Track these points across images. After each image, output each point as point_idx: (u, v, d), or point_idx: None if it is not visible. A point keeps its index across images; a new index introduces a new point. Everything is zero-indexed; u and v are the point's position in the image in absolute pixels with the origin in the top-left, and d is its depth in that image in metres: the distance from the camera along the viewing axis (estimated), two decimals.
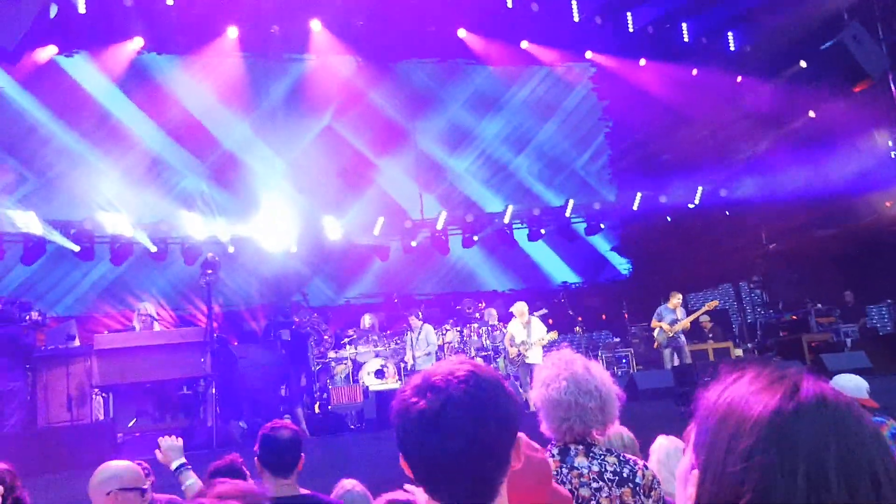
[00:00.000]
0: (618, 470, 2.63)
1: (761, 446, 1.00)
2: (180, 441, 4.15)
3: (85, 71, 15.02)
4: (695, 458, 1.10)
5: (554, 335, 11.34)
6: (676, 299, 12.47)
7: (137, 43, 14.83)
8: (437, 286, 17.28)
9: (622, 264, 18.59)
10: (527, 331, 11.33)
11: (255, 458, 3.54)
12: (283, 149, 16.21)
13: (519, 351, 11.21)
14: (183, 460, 4.07)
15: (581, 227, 17.21)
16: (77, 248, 14.15)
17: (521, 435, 1.48)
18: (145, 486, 3.39)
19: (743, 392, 1.07)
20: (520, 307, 11.51)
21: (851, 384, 4.87)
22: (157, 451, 4.17)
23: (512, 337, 11.47)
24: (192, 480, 4.00)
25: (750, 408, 1.04)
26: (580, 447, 2.70)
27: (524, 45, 16.89)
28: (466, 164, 17.90)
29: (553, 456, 2.71)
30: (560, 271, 17.97)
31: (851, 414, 1.03)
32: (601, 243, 18.38)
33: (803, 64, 15.83)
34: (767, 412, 1.02)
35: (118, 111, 15.28)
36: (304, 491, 3.57)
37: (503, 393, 1.42)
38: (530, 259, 17.85)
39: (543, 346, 11.08)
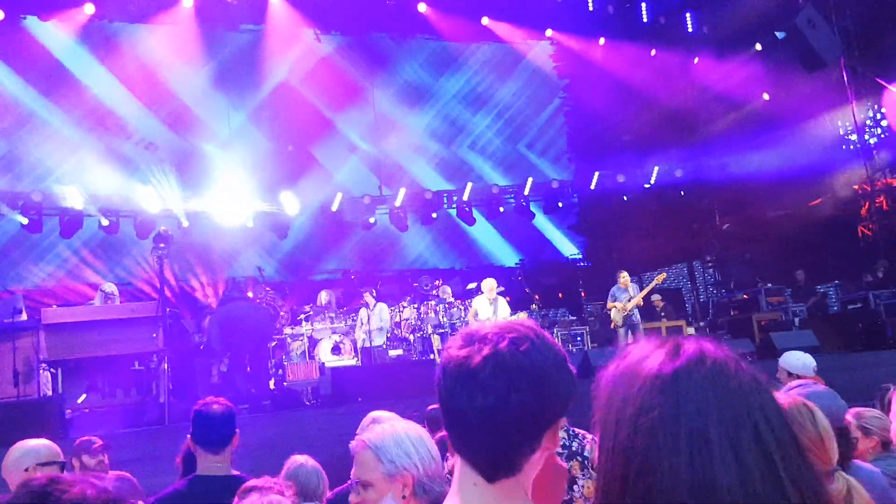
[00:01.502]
0: (567, 444, 2.66)
1: (645, 409, 1.00)
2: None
3: (39, 30, 14.53)
4: (596, 436, 1.10)
5: (524, 315, 11.37)
6: (624, 278, 12.61)
7: (89, 9, 14.37)
8: (394, 263, 17.24)
9: (579, 243, 18.74)
10: (493, 307, 11.31)
11: (188, 434, 3.46)
12: (239, 117, 15.93)
13: None
14: None
15: (538, 205, 17.28)
16: (25, 221, 13.79)
17: None
18: (64, 461, 3.33)
19: (629, 362, 1.08)
20: (489, 283, 11.46)
21: (799, 362, 4.97)
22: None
23: (476, 312, 11.39)
24: None
25: (634, 375, 1.05)
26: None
27: (485, 21, 16.81)
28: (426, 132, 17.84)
29: None
30: (516, 250, 18.05)
31: (729, 367, 1.03)
32: (558, 222, 18.48)
33: (759, 46, 16.05)
34: (650, 375, 1.03)
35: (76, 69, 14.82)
36: (235, 472, 3.46)
37: (558, 368, 1.33)
38: (487, 237, 17.90)
39: None
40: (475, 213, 16.95)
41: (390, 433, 2.12)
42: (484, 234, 17.81)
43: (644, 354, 1.07)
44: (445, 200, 16.99)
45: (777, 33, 12.20)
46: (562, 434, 2.70)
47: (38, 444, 3.38)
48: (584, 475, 2.60)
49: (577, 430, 2.69)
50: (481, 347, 1.29)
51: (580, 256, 18.35)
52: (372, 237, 16.70)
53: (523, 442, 1.29)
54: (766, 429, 0.98)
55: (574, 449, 2.57)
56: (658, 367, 1.03)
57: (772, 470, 0.96)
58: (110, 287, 10.58)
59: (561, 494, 1.54)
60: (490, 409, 1.26)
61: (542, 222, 17.96)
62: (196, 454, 3.41)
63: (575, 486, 2.63)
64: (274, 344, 12.65)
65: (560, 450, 2.65)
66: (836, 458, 2.44)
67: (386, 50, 17.38)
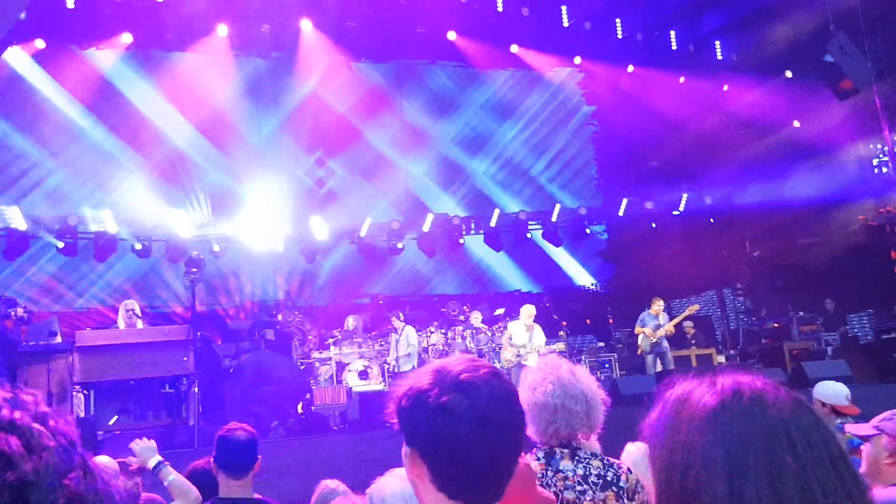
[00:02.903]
0: (602, 473, 2.65)
1: (689, 449, 1.05)
2: (153, 442, 4.13)
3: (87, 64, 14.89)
4: (651, 475, 1.14)
5: (562, 346, 11.35)
6: (658, 305, 12.51)
7: (126, 39, 14.72)
8: (422, 288, 17.30)
9: (607, 270, 18.66)
10: (529, 334, 11.21)
11: (211, 458, 3.52)
12: (274, 165, 16.13)
13: (518, 352, 11.08)
14: (159, 458, 4.05)
15: (565, 232, 17.28)
16: (61, 245, 14.06)
17: None
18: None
19: (671, 406, 1.12)
20: (528, 310, 11.35)
21: (831, 391, 4.92)
22: (130, 458, 4.14)
23: (510, 336, 11.29)
24: (172, 476, 3.99)
25: (678, 419, 1.09)
26: (565, 451, 2.72)
27: (514, 48, 16.94)
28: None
29: (539, 459, 2.73)
30: (545, 276, 18.01)
31: (767, 396, 1.06)
32: (586, 249, 18.44)
33: (789, 74, 15.98)
34: (691, 418, 1.08)
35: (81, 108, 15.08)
36: (257, 496, 3.54)
37: (515, 389, 1.43)
38: (515, 263, 17.90)
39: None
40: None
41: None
42: (498, 261, 17.82)
43: (683, 395, 1.12)
44: (473, 226, 17.04)
45: (818, 62, 12.11)
46: (596, 463, 2.70)
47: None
48: None
49: (611, 459, 2.69)
50: (477, 392, 1.33)
51: (597, 287, 18.22)
52: (399, 263, 16.78)
53: (516, 464, 1.39)
54: (806, 449, 1.01)
55: (609, 479, 2.57)
56: (698, 407, 1.08)
57: (808, 487, 0.99)
58: (132, 303, 10.66)
59: None
60: (503, 445, 1.34)
61: (555, 251, 17.90)
62: (218, 477, 3.47)
63: None
64: (303, 368, 12.74)
65: (595, 479, 2.65)
66: None
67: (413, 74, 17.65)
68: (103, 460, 3.68)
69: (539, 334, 11.30)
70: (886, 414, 2.94)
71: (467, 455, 1.32)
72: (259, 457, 3.52)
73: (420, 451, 1.35)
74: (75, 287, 14.79)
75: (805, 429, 1.03)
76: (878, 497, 2.48)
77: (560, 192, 18.27)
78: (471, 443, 1.31)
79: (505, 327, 12.19)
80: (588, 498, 2.61)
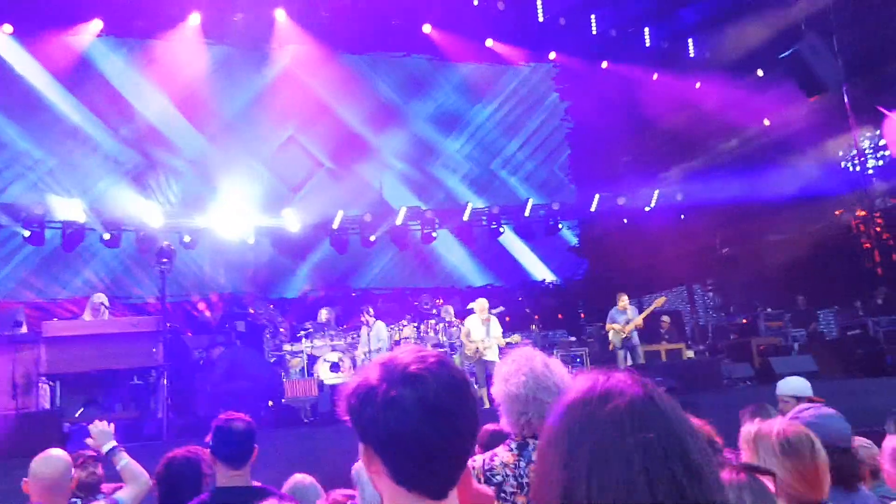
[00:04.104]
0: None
1: (566, 433, 1.15)
2: (111, 426, 4.17)
3: (45, 53, 14.61)
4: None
5: (517, 338, 11.32)
6: (623, 301, 12.59)
7: (96, 25, 14.48)
8: (393, 281, 17.27)
9: (580, 264, 18.77)
10: (486, 328, 11.19)
11: (209, 449, 3.52)
12: (245, 151, 16.01)
13: (477, 348, 11.07)
14: (114, 443, 4.10)
15: (539, 226, 17.34)
16: (27, 233, 13.82)
17: None
18: None
19: (565, 397, 1.21)
20: (481, 303, 11.37)
21: (801, 384, 5.13)
22: (87, 440, 4.20)
23: (468, 332, 11.27)
24: (125, 461, 4.03)
25: (564, 405, 1.19)
26: (538, 442, 2.72)
27: (489, 43, 16.94)
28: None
29: (511, 450, 2.74)
30: (517, 270, 18.08)
31: (612, 395, 1.14)
32: (558, 244, 18.53)
33: (760, 73, 16.16)
34: (570, 405, 1.18)
35: (54, 95, 14.82)
36: (255, 483, 3.55)
37: (466, 376, 1.43)
38: (490, 257, 17.94)
39: (505, 346, 10.98)
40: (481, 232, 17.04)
41: None
42: (456, 255, 17.85)
43: (574, 388, 1.20)
44: (437, 222, 16.97)
45: (781, 55, 12.28)
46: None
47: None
48: None
49: None
50: (425, 384, 1.34)
51: (557, 281, 18.30)
52: (371, 256, 16.74)
53: (472, 452, 1.41)
54: (637, 440, 1.08)
55: None
56: (574, 399, 1.17)
57: (632, 473, 1.06)
58: (100, 298, 10.35)
59: None
60: (460, 434, 1.35)
61: (515, 245, 17.96)
62: (215, 467, 3.47)
63: None
64: (274, 360, 12.66)
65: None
66: (827, 488, 2.46)
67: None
68: (56, 453, 3.69)
69: (495, 326, 11.28)
70: (803, 406, 3.01)
71: (420, 448, 1.32)
72: (256, 446, 3.52)
73: (374, 446, 1.35)
74: (42, 278, 14.56)
75: (643, 420, 1.09)
76: None
77: (525, 188, 18.31)
78: (422, 435, 1.31)
79: None
80: None
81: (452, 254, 17.69)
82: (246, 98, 16.21)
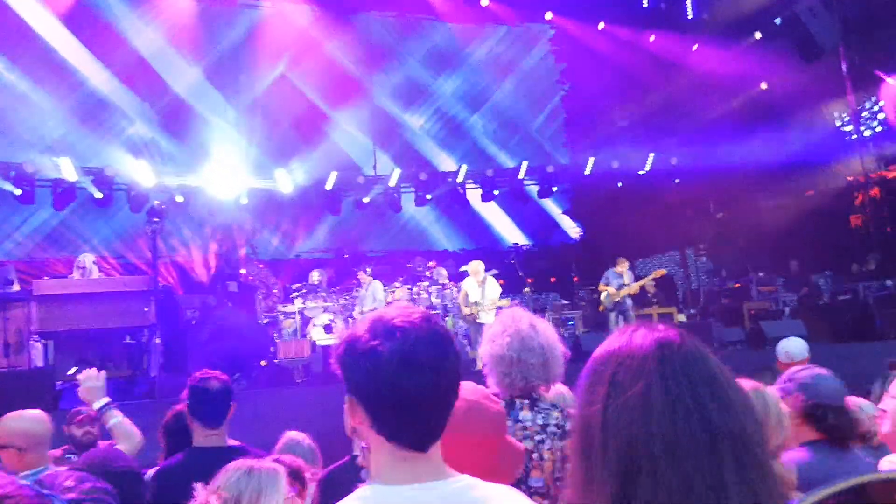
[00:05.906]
0: (561, 423, 2.68)
1: (630, 381, 1.15)
2: (102, 375, 3.98)
3: (27, 4, 14.34)
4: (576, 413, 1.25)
5: (506, 301, 11.32)
6: (623, 265, 12.58)
7: None
8: (388, 243, 17.24)
9: (572, 228, 18.75)
10: (481, 290, 11.16)
11: (185, 408, 3.49)
12: (235, 97, 15.88)
13: (472, 311, 11.09)
14: (107, 399, 3.96)
15: (534, 189, 17.27)
16: (18, 192, 13.70)
17: (479, 387, 1.47)
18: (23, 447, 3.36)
19: (616, 344, 1.24)
20: (475, 266, 11.34)
21: (795, 348, 5.39)
22: (78, 390, 4.02)
23: (466, 295, 11.27)
24: (116, 419, 3.92)
25: (621, 355, 1.20)
26: (525, 401, 2.74)
27: (484, 2, 16.71)
28: (422, 121, 17.78)
29: None
30: (511, 233, 18.05)
31: (700, 351, 1.20)
32: (553, 206, 18.49)
33: (758, 35, 16.01)
34: (637, 354, 1.18)
35: (63, 48, 14.61)
36: (232, 442, 3.54)
37: (449, 332, 1.47)
38: (482, 220, 17.90)
39: (496, 308, 10.99)
40: (475, 195, 16.98)
41: None
42: (486, 215, 17.84)
43: (628, 338, 1.21)
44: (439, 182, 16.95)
45: (776, 20, 12.17)
46: (556, 414, 2.73)
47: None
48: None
49: (571, 410, 2.71)
50: (405, 336, 1.38)
51: (576, 239, 18.40)
52: (363, 216, 16.69)
53: (452, 406, 1.44)
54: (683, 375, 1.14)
55: (568, 429, 2.61)
56: (644, 348, 1.18)
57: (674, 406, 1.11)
58: (85, 259, 10.31)
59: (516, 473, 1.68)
60: (437, 387, 1.39)
61: (549, 204, 18.00)
62: (191, 426, 3.44)
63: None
64: (266, 321, 12.68)
65: (554, 429, 2.69)
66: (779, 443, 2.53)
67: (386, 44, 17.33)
68: (34, 414, 3.54)
69: (492, 286, 11.26)
70: (795, 368, 3.08)
71: (397, 397, 1.36)
72: (233, 404, 3.50)
73: (356, 395, 1.40)
74: (33, 235, 14.48)
75: (688, 360, 1.16)
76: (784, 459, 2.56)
77: (519, 151, 18.21)
78: (399, 387, 1.35)
79: None
80: (546, 447, 2.64)
81: (445, 217, 17.65)
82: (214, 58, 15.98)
